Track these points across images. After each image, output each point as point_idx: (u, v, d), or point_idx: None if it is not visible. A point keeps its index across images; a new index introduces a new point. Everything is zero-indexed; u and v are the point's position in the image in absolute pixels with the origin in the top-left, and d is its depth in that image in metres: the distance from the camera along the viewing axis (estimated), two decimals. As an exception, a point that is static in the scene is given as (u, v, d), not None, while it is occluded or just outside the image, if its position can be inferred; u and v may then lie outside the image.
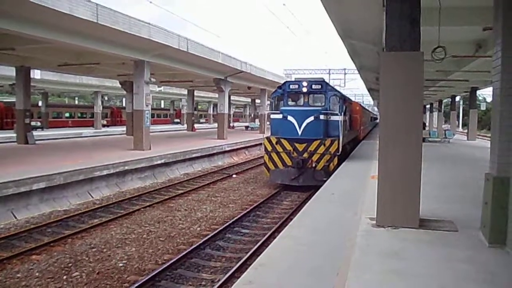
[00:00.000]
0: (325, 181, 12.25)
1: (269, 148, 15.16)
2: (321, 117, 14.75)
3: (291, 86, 16.01)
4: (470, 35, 14.08)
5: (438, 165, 15.27)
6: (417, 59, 6.82)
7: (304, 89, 15.64)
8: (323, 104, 15.65)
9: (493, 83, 6.35)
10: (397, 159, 6.81)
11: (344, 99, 16.87)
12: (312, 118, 14.60)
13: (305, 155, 14.69)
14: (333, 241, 6.44)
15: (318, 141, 14.56)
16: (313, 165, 14.57)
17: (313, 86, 15.63)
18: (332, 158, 14.54)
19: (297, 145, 14.77)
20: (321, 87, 15.66)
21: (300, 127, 14.65)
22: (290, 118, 14.78)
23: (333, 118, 15.31)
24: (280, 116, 15.10)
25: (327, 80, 28.92)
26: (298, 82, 16.02)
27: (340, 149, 14.57)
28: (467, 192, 9.89)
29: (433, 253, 5.66)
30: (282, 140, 14.90)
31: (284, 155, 14.93)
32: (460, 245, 5.98)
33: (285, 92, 16.11)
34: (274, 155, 15.07)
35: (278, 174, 14.98)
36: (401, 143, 6.81)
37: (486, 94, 61.71)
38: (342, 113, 15.58)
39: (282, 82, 17.63)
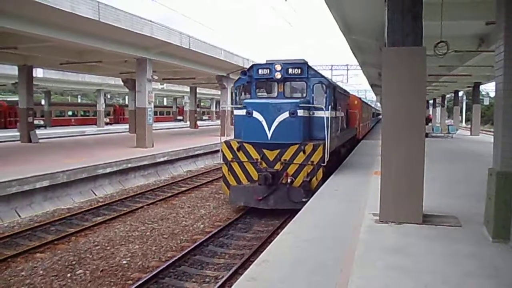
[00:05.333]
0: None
1: (229, 156, 11.39)
2: (300, 112, 10.87)
3: (260, 71, 11.83)
4: (472, 29, 14.02)
5: (441, 160, 15.23)
6: (420, 54, 6.80)
7: (278, 75, 11.57)
8: (304, 95, 11.83)
9: (496, 77, 6.33)
10: (400, 154, 6.80)
11: (334, 89, 12.89)
12: (286, 114, 10.73)
13: (278, 166, 10.88)
14: (337, 237, 6.43)
15: (296, 146, 10.81)
16: (289, 180, 10.72)
17: (290, 71, 11.64)
18: (315, 170, 10.77)
19: (266, 152, 10.97)
20: (301, 72, 11.66)
21: (270, 127, 10.74)
22: (256, 114, 10.85)
23: (318, 114, 11.53)
24: (243, 112, 11.25)
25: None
26: (269, 65, 11.75)
27: (327, 157, 10.81)
28: (471, 187, 9.86)
29: (437, 248, 5.66)
30: (246, 145, 11.12)
31: (249, 166, 11.16)
32: (464, 241, 5.97)
33: (252, 79, 12.03)
34: (235, 166, 11.33)
35: (240, 193, 11.04)
36: (404, 138, 6.79)
37: (489, 89, 61.47)
38: (330, 107, 11.65)
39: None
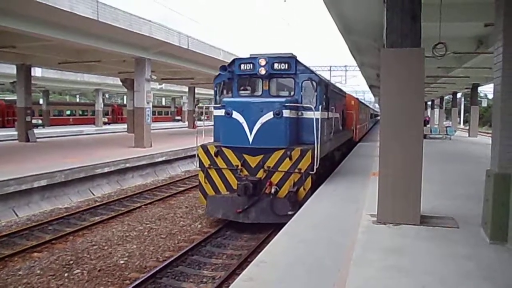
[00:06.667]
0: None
1: (206, 162, 10.16)
2: (285, 113, 9.60)
3: (242, 67, 10.65)
4: (471, 31, 14.03)
5: (439, 161, 15.23)
6: (418, 55, 6.80)
7: (262, 71, 10.35)
8: (291, 93, 10.60)
9: (494, 79, 6.34)
10: (398, 155, 6.80)
11: (326, 87, 11.63)
12: (270, 115, 9.49)
13: (260, 174, 9.69)
14: (334, 238, 6.43)
15: (281, 151, 9.59)
16: (272, 190, 9.49)
17: (276, 66, 10.39)
18: (303, 179, 9.53)
19: (247, 158, 9.76)
20: (289, 67, 10.40)
21: (251, 130, 9.52)
22: (236, 115, 9.62)
23: (306, 114, 10.28)
24: (222, 112, 9.98)
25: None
26: (252, 59, 10.56)
27: (317, 164, 9.60)
28: (468, 188, 9.87)
29: (434, 249, 5.66)
30: (225, 150, 9.93)
31: (228, 174, 9.95)
32: (461, 242, 5.97)
33: (234, 75, 10.83)
34: (213, 174, 10.09)
35: (218, 204, 9.76)
36: (402, 139, 6.79)
37: (487, 90, 61.60)
38: (321, 107, 10.55)
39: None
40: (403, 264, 5.15)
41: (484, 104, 55.31)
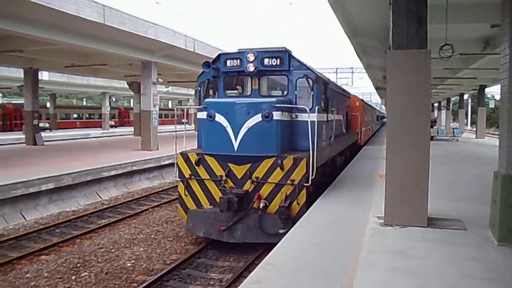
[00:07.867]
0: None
1: (186, 172, 8.99)
2: (276, 115, 8.36)
3: (228, 63, 9.40)
4: (477, 32, 13.96)
5: (446, 163, 15.16)
6: (424, 57, 6.79)
7: (251, 67, 9.13)
8: (284, 92, 9.38)
9: (501, 80, 6.31)
10: (405, 157, 6.78)
11: (325, 85, 10.40)
12: (258, 117, 8.28)
13: (247, 185, 8.43)
14: (341, 240, 6.41)
15: (271, 160, 8.32)
16: (261, 205, 8.19)
17: (267, 62, 9.12)
18: (296, 192, 8.21)
19: (233, 167, 8.55)
20: (281, 63, 9.11)
21: (236, 135, 8.31)
22: (219, 118, 8.45)
23: (301, 117, 9.04)
24: (204, 114, 8.86)
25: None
26: (239, 55, 9.31)
27: (313, 175, 8.29)
28: (476, 190, 9.81)
29: (441, 252, 5.63)
30: (207, 158, 8.73)
31: (211, 185, 8.73)
32: (469, 244, 5.94)
33: (219, 73, 9.63)
34: (194, 185, 8.90)
35: (200, 219, 8.54)
36: (409, 141, 6.77)
37: (494, 91, 61.24)
38: (318, 108, 9.19)
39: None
40: (410, 266, 5.14)
41: (492, 105, 54.95)
